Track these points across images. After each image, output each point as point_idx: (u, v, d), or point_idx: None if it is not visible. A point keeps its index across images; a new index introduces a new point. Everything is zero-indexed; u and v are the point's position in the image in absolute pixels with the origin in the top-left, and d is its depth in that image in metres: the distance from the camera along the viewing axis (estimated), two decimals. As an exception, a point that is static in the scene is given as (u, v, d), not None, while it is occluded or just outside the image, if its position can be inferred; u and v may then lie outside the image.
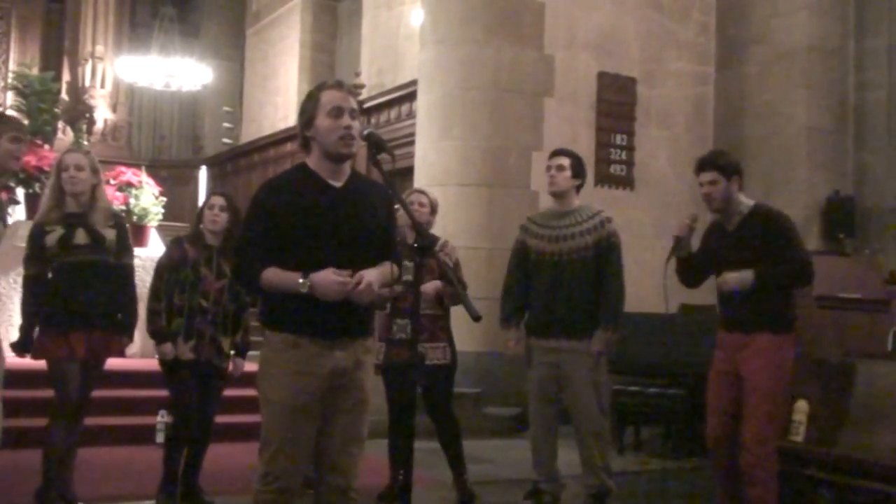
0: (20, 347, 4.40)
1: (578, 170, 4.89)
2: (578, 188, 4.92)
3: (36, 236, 4.40)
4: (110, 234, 4.52)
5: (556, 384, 4.81)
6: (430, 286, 4.81)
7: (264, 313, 3.14)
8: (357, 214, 3.06)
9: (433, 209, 5.13)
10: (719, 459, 4.46)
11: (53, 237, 4.36)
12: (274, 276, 2.97)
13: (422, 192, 5.27)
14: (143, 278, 5.72)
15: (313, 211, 3.01)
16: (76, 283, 4.35)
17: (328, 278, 2.91)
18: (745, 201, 4.43)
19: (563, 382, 4.78)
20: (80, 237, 4.40)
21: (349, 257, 2.98)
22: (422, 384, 4.95)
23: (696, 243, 4.61)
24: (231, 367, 4.83)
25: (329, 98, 3.05)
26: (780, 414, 4.39)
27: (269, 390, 3.05)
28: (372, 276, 2.98)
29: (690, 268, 4.56)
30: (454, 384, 5.22)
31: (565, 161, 4.86)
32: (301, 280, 2.92)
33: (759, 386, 4.24)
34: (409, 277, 4.79)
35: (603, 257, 4.76)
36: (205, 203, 4.81)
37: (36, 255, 4.39)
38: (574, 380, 4.74)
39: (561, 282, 4.76)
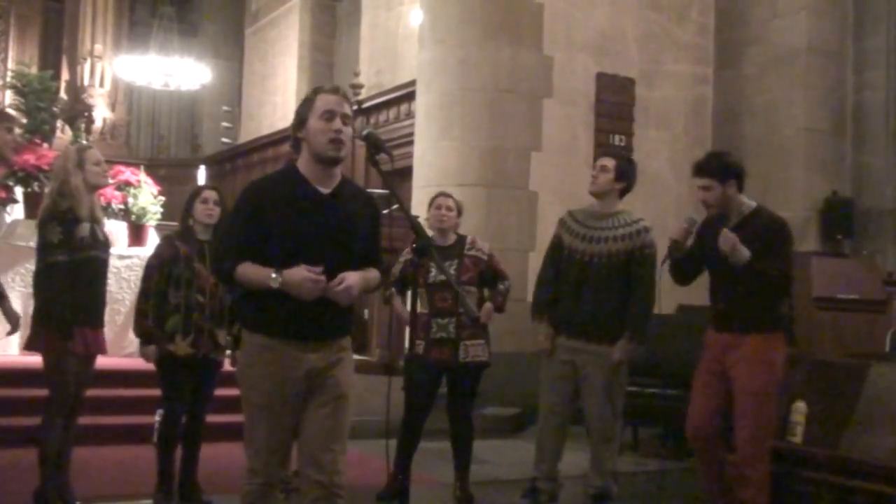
0: (65, 334, 4.25)
1: (624, 173, 4.81)
2: (622, 192, 4.85)
3: (70, 222, 4.29)
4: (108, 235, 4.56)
5: (572, 384, 4.79)
6: (486, 316, 4.97)
7: (242, 314, 3.20)
8: (340, 222, 3.07)
9: (459, 212, 5.19)
10: (702, 452, 4.42)
11: (86, 228, 4.33)
12: (249, 270, 3.01)
13: (447, 195, 5.24)
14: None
15: (296, 215, 3.02)
16: (97, 278, 4.36)
17: (300, 274, 2.93)
18: (747, 202, 4.41)
19: (579, 383, 4.77)
20: (99, 234, 4.42)
21: (329, 263, 2.99)
22: (454, 381, 5.01)
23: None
24: (230, 361, 4.82)
25: (323, 102, 3.07)
26: (771, 414, 4.38)
27: (246, 391, 3.12)
28: (353, 278, 3.01)
29: (685, 266, 4.55)
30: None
31: (609, 163, 4.82)
32: (273, 275, 2.94)
33: (751, 387, 4.23)
34: (442, 278, 4.86)
35: (635, 267, 4.70)
36: (195, 197, 4.73)
37: (66, 242, 4.26)
38: (589, 382, 4.72)
39: (586, 283, 4.73)
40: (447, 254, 5.02)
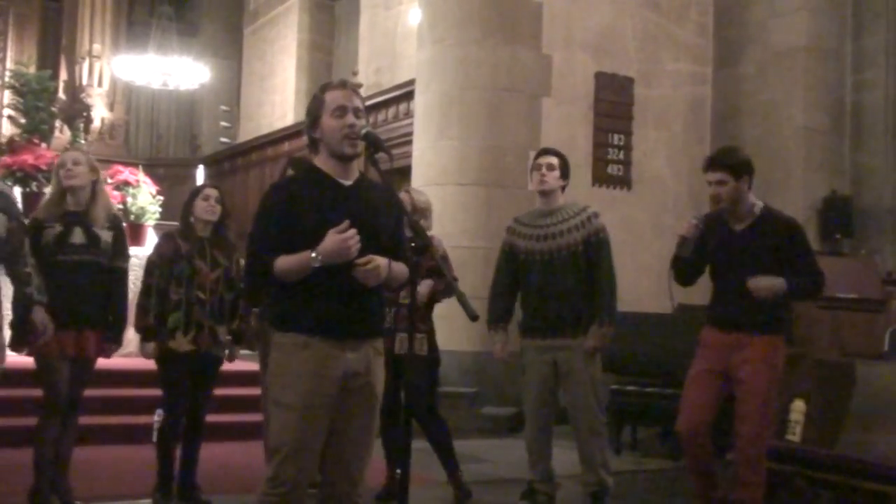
0: (17, 343, 4.33)
1: (566, 170, 4.91)
2: (563, 188, 4.92)
3: (33, 231, 4.36)
4: (106, 236, 4.51)
5: (553, 384, 4.80)
6: (424, 288, 4.85)
7: (275, 315, 3.14)
8: (366, 212, 3.05)
9: (414, 209, 5.02)
10: (695, 450, 4.34)
11: (51, 233, 4.35)
12: (287, 259, 2.96)
13: (406, 190, 5.25)
14: (141, 277, 5.71)
15: (323, 207, 3.00)
16: (69, 281, 4.34)
17: (330, 239, 2.91)
18: (756, 202, 4.34)
19: (560, 381, 4.78)
20: (77, 236, 4.40)
21: (357, 254, 2.96)
22: (401, 376, 4.93)
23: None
24: (227, 354, 4.81)
25: (333, 98, 3.06)
26: (772, 415, 4.36)
27: (280, 393, 3.01)
28: (381, 260, 2.97)
29: (689, 266, 4.50)
30: (438, 380, 5.21)
31: (555, 161, 4.87)
32: (313, 255, 2.90)
33: (756, 387, 4.19)
34: None
35: (593, 253, 4.76)
36: (196, 194, 4.77)
37: (32, 249, 4.30)
38: (571, 377, 4.73)
39: (552, 280, 4.75)
40: None
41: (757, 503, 4.26)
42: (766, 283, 4.13)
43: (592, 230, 4.78)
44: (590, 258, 4.76)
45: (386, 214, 3.13)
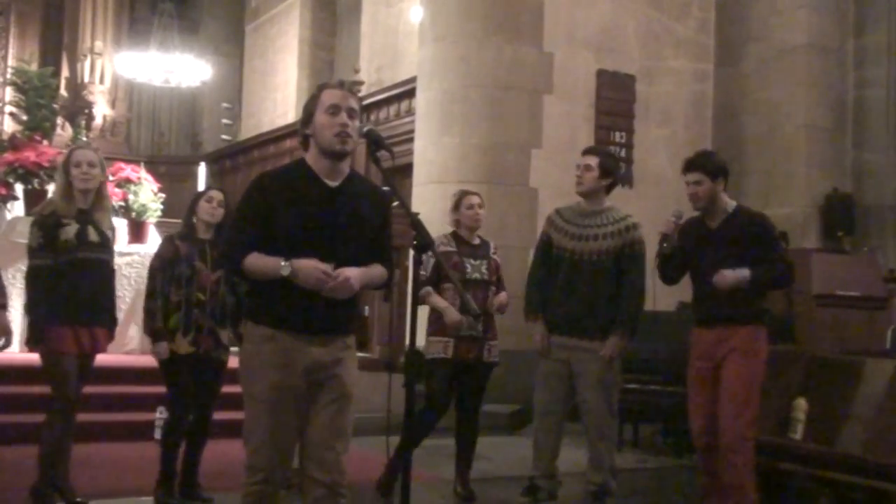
0: (34, 341, 4.34)
1: (608, 169, 4.81)
2: (609, 188, 4.86)
3: (51, 226, 4.34)
4: (111, 235, 4.58)
5: (567, 382, 4.79)
6: (503, 298, 5.07)
7: (247, 306, 3.21)
8: (348, 215, 3.07)
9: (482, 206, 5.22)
10: (707, 460, 4.53)
11: (71, 230, 4.34)
12: (257, 260, 3.01)
13: (474, 193, 5.26)
14: (143, 274, 5.73)
15: (304, 208, 3.02)
16: (86, 278, 4.37)
17: (311, 265, 2.94)
18: (729, 201, 4.56)
19: (574, 380, 4.77)
20: (93, 234, 4.42)
21: (336, 257, 3.00)
22: (468, 380, 5.04)
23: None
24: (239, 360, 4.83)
25: (328, 96, 3.08)
26: (755, 402, 4.44)
27: (248, 383, 3.09)
28: (352, 273, 3.00)
29: (671, 264, 4.65)
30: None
31: (593, 161, 4.80)
32: (283, 263, 2.94)
33: (738, 375, 4.36)
34: (477, 276, 4.92)
35: (625, 264, 4.72)
36: (201, 195, 4.81)
37: (49, 245, 4.31)
38: (583, 378, 4.72)
39: (576, 281, 4.73)
40: (477, 253, 5.08)
41: (744, 485, 4.35)
42: (729, 274, 4.35)
43: (628, 241, 4.74)
44: (620, 269, 4.72)
45: (371, 217, 3.14)
